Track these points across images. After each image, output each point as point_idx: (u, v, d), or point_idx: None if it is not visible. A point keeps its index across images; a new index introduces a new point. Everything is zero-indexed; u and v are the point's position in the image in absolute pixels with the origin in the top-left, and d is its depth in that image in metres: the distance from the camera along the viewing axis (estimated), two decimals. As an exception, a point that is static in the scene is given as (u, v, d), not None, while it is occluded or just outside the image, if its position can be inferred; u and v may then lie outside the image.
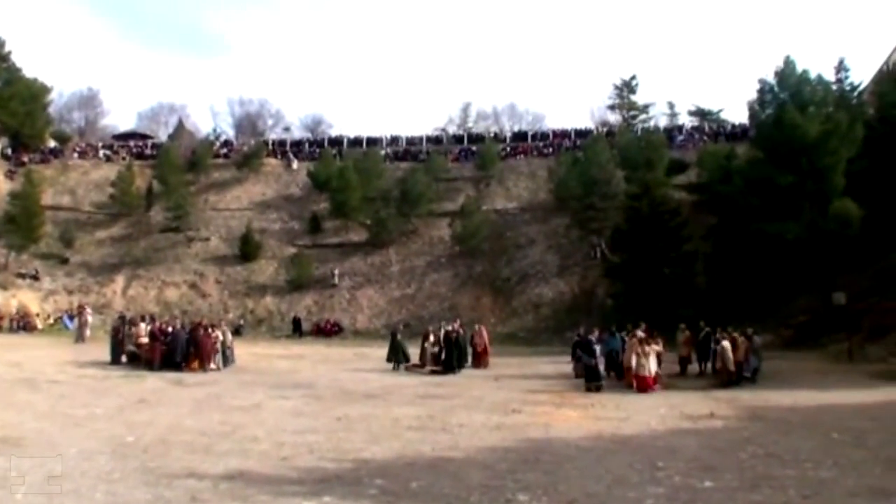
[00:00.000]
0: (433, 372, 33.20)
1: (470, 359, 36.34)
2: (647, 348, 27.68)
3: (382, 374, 32.17)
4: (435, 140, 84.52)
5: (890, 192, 42.08)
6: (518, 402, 23.08)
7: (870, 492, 12.04)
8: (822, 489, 12.30)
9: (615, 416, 20.49)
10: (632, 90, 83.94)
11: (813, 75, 49.36)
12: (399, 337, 36.92)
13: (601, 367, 28.38)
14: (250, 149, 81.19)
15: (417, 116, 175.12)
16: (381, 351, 36.45)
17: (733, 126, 78.04)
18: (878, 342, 37.67)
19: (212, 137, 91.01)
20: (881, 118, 46.67)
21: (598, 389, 26.58)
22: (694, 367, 32.74)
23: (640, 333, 29.43)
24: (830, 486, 12.54)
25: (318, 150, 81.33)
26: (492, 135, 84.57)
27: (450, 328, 35.77)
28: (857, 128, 45.76)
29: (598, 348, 28.57)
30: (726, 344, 28.73)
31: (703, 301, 50.10)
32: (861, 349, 36.66)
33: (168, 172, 73.01)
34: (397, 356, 35.16)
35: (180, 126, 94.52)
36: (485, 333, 37.90)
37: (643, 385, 27.10)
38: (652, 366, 27.57)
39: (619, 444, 16.45)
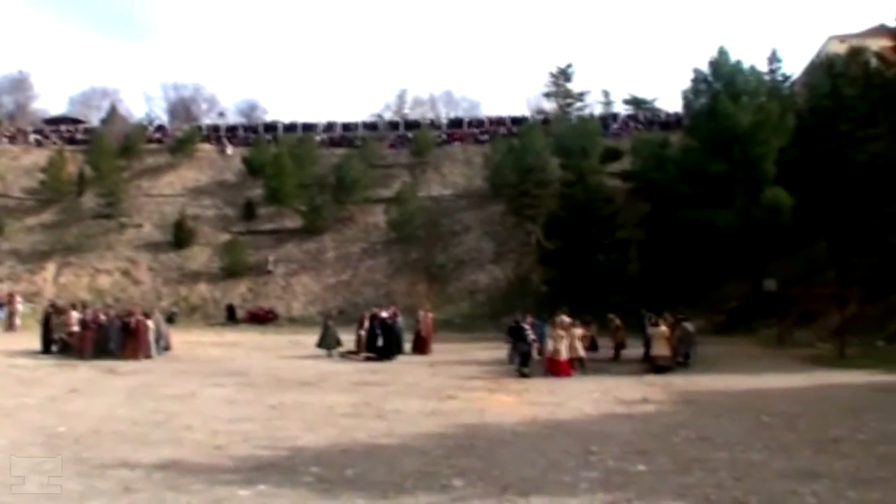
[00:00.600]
0: (368, 359, 33.08)
1: (413, 345, 36.48)
2: (561, 332, 27.93)
3: (317, 362, 31.98)
4: (371, 126, 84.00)
5: (819, 180, 42.72)
6: (453, 388, 23.08)
7: (798, 473, 12.21)
8: (753, 471, 12.45)
9: (549, 402, 20.56)
10: (567, 78, 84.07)
11: (746, 66, 50.02)
12: (331, 323, 36.81)
13: (534, 353, 28.66)
14: (184, 134, 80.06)
15: (353, 102, 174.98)
16: (316, 338, 36.29)
17: (667, 115, 78.59)
18: (807, 327, 38.31)
19: (145, 122, 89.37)
20: (812, 109, 47.40)
21: (525, 375, 26.64)
22: (629, 352, 32.98)
23: (564, 319, 29.58)
24: (760, 468, 12.70)
25: (252, 136, 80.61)
26: (428, 122, 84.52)
27: (385, 314, 35.71)
28: (788, 118, 46.44)
29: (529, 334, 28.84)
30: (662, 329, 29.00)
31: (637, 287, 50.57)
32: (790, 334, 37.24)
33: (100, 158, 71.78)
34: (329, 343, 35.06)
35: (113, 111, 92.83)
36: (429, 320, 38.04)
37: (555, 369, 27.29)
38: (564, 351, 27.73)
39: (554, 429, 16.50)
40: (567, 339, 27.77)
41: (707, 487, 11.46)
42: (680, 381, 24.69)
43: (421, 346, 36.39)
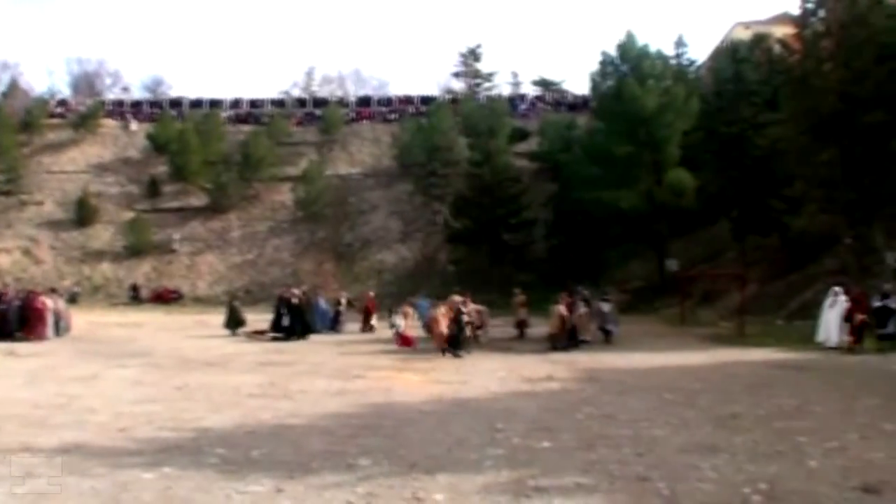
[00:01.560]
0: (275, 339, 32.82)
1: (362, 325, 37.09)
2: (442, 310, 28.55)
3: (223, 342, 31.59)
4: (278, 103, 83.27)
5: (722, 163, 43.43)
6: (360, 368, 22.96)
7: (699, 448, 12.38)
8: (655, 446, 12.58)
9: (456, 380, 20.56)
10: (476, 58, 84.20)
11: (653, 50, 50.55)
12: (237, 304, 36.49)
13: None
14: (87, 109, 78.66)
15: (260, 79, 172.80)
16: (222, 318, 35.92)
17: (575, 97, 79.25)
18: (709, 306, 39.04)
19: (47, 97, 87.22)
20: (716, 93, 48.08)
21: (456, 356, 26.61)
22: (534, 330, 33.15)
23: (455, 298, 29.88)
24: (663, 443, 12.84)
25: (157, 112, 79.31)
26: (336, 99, 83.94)
27: (294, 293, 35.47)
28: (693, 101, 47.03)
29: (465, 316, 28.92)
30: (559, 308, 29.20)
31: (543, 267, 51.04)
32: (692, 313, 37.88)
33: (0, 132, 70.03)
34: (234, 323, 34.76)
35: (13, 84, 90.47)
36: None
37: (403, 343, 29.24)
38: (403, 325, 30.12)
39: (460, 408, 16.50)
40: (444, 318, 28.05)
41: (610, 463, 11.54)
42: (584, 359, 24.90)
43: (366, 324, 37.01)
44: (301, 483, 10.66)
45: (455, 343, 26.91)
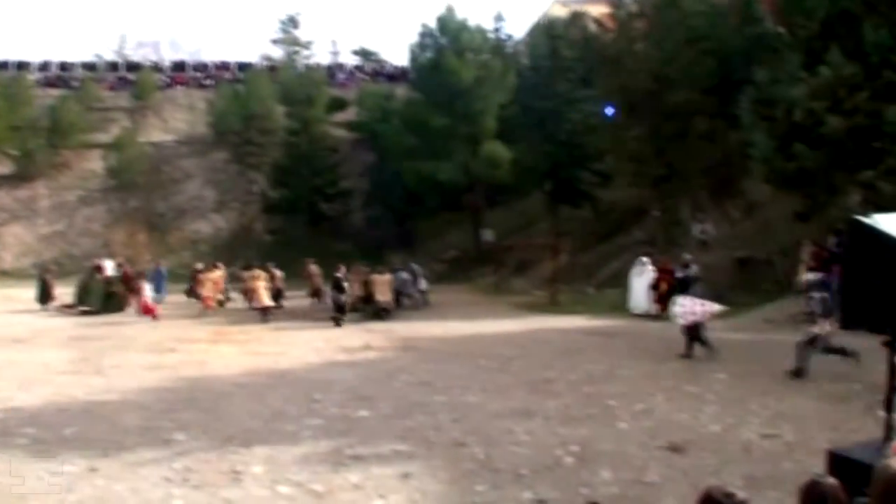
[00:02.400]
0: (85, 312, 31.76)
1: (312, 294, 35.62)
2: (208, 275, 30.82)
3: (32, 317, 30.33)
4: (89, 67, 79.99)
5: (536, 137, 44.25)
6: (174, 341, 22.51)
7: (514, 413, 12.66)
8: (471, 412, 12.80)
9: (272, 352, 20.43)
10: (296, 26, 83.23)
11: (472, 24, 50.93)
12: (48, 277, 35.19)
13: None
14: None
15: (71, 41, 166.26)
16: (31, 292, 34.57)
17: (394, 68, 79.24)
18: (522, 276, 39.85)
19: None
20: (533, 68, 48.81)
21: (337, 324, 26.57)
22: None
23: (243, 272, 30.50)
24: (478, 409, 13.07)
25: (-41, 74, 75.38)
26: (150, 64, 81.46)
27: (108, 265, 34.46)
28: (510, 76, 47.65)
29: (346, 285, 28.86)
30: (386, 277, 29.43)
31: (361, 237, 51.14)
32: (507, 282, 38.61)
33: None
34: (46, 297, 33.57)
35: None
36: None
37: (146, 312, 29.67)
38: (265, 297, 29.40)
39: (277, 379, 16.42)
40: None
41: (427, 430, 11.71)
42: (401, 328, 25.09)
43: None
44: (116, 461, 10.44)
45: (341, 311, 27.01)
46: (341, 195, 55.31)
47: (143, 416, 12.97)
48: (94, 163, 64.16)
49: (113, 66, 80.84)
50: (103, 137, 65.54)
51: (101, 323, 28.15)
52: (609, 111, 36.18)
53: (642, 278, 26.85)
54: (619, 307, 27.84)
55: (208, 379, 16.58)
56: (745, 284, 27.13)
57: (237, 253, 51.11)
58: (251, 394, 14.82)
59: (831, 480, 4.15)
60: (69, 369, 17.84)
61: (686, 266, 23.97)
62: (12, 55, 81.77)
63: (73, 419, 12.77)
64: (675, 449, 10.52)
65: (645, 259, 27.36)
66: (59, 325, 27.86)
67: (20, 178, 63.03)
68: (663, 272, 25.76)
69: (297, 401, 14.04)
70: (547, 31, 49.70)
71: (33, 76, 74.68)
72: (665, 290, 25.22)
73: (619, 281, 30.43)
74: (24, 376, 16.85)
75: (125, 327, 26.58)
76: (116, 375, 17.02)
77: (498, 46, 53.70)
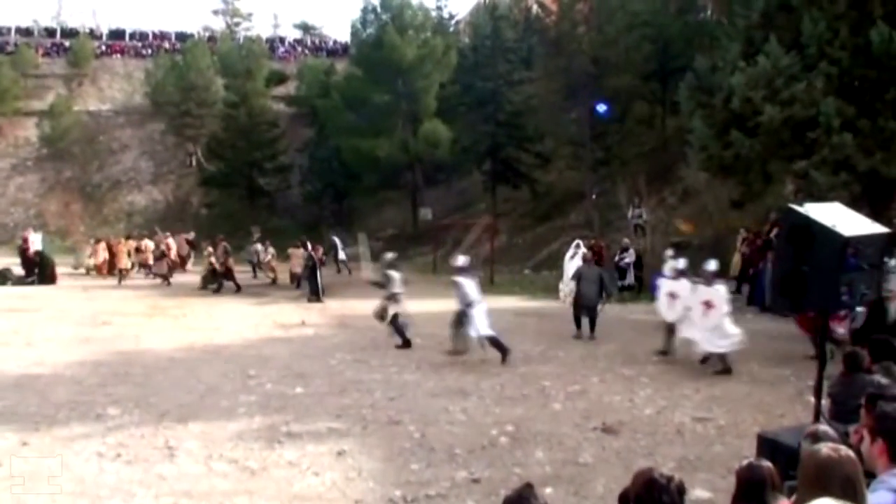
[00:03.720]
0: (21, 282, 31.27)
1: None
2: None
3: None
4: (24, 32, 78.66)
5: (477, 117, 44.33)
6: (108, 314, 22.32)
7: (449, 392, 12.76)
8: (406, 391, 12.89)
9: (208, 326, 20.36)
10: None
11: (414, 1, 50.80)
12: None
13: None
14: None
15: (6, 4, 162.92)
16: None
17: (335, 42, 78.86)
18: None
19: None
20: (474, 48, 48.83)
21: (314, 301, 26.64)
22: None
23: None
24: (413, 387, 13.16)
25: None
26: (87, 31, 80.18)
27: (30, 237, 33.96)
28: (452, 54, 47.62)
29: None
30: (300, 251, 29.84)
31: (298, 212, 50.92)
32: (445, 262, 38.65)
33: None
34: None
35: None
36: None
37: None
38: None
39: (212, 355, 16.39)
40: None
41: (363, 408, 11.78)
42: (336, 306, 25.12)
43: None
44: (47, 435, 10.43)
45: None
46: (279, 170, 54.96)
47: (76, 391, 12.90)
48: (28, 130, 63.09)
49: (49, 33, 79.26)
50: (38, 105, 64.38)
51: (35, 295, 27.76)
52: (602, 108, 36.27)
53: (574, 261, 27.01)
54: (555, 289, 28.01)
55: (142, 353, 16.52)
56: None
57: (173, 226, 50.63)
58: (186, 369, 14.79)
59: (767, 464, 4.26)
60: (0, 341, 17.64)
61: (625, 249, 24.26)
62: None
63: (4, 392, 12.67)
64: (608, 430, 10.68)
65: (579, 241, 27.54)
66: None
67: (-49, 145, 61.91)
68: (596, 255, 25.93)
69: (233, 377, 14.04)
70: (490, 11, 49.70)
71: (-35, 41, 73.20)
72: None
73: (556, 263, 30.58)
74: (-48, 349, 16.66)
75: (60, 300, 26.27)
76: (48, 348, 16.90)
77: (440, 25, 53.75)
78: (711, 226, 29.23)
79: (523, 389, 13.00)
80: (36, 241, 33.57)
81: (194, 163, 59.94)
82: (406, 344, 16.97)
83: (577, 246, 27.08)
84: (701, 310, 14.56)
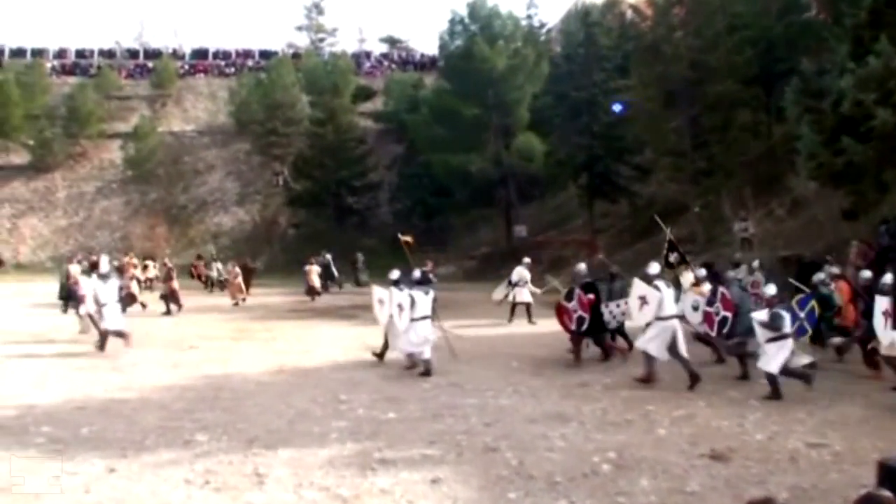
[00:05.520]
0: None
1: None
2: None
3: (48, 312, 30.53)
4: (107, 54, 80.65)
5: (571, 128, 44.15)
6: (195, 338, 22.65)
7: (547, 417, 12.64)
8: (503, 416, 12.80)
9: (297, 350, 20.50)
10: (321, 12, 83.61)
11: (504, 11, 50.90)
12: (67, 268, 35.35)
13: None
14: None
15: (88, 26, 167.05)
16: (47, 287, 34.72)
17: (422, 56, 79.30)
18: (557, 274, 39.72)
19: None
20: (566, 56, 48.66)
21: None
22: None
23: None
24: (510, 412, 13.07)
25: (-27, 61, 75.86)
26: (170, 51, 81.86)
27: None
28: (543, 64, 47.59)
29: None
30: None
31: (388, 231, 51.18)
32: (541, 280, 38.51)
33: None
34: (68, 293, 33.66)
35: None
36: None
37: None
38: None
39: (302, 379, 16.48)
40: None
41: (458, 434, 11.70)
42: (430, 327, 25.12)
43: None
44: (135, 461, 10.52)
45: None
46: (368, 188, 55.40)
47: (163, 416, 13.06)
48: (113, 153, 64.66)
49: (132, 54, 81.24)
50: (122, 127, 66.09)
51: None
52: (617, 108, 35.93)
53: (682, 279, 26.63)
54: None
55: (230, 377, 16.66)
56: (790, 285, 26.97)
57: (260, 247, 51.38)
58: (275, 394, 14.88)
59: (887, 494, 4.17)
60: (86, 366, 17.98)
61: (736, 265, 23.83)
62: (28, 42, 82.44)
63: (91, 418, 12.87)
64: (717, 457, 10.47)
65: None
66: (75, 320, 28.02)
67: (36, 168, 63.61)
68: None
69: (323, 401, 14.09)
70: (582, 18, 49.51)
71: (50, 63, 75.25)
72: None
73: (658, 280, 30.23)
74: (40, 373, 17.03)
75: (145, 324, 26.70)
76: (135, 373, 17.15)
77: (531, 34, 53.71)
78: (822, 238, 28.66)
79: (626, 414, 12.83)
80: (104, 264, 34.09)
81: (281, 182, 60.66)
82: None
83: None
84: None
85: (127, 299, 29.09)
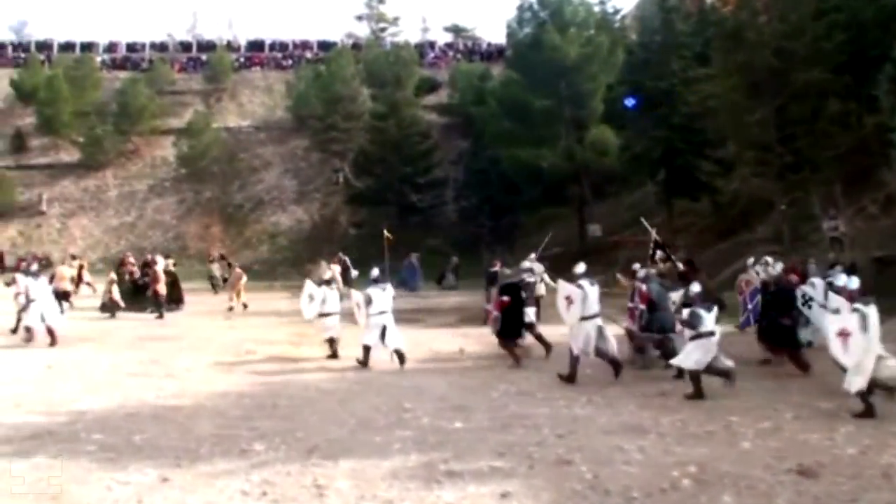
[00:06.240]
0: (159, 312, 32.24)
1: None
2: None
3: (98, 314, 31.14)
4: (159, 47, 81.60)
5: (648, 121, 43.92)
6: (252, 343, 22.86)
7: (623, 428, 12.61)
8: (577, 427, 12.77)
9: (358, 355, 20.65)
10: (381, 0, 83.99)
11: (575, -4, 50.66)
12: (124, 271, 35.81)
13: None
14: (-62, 52, 76.56)
15: (139, 19, 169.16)
16: (99, 287, 35.24)
17: (489, 45, 79.26)
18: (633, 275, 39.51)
19: None
20: (642, 44, 48.30)
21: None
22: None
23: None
24: (585, 423, 13.04)
25: (22, 56, 77.01)
26: (224, 43, 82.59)
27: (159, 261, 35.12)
28: (618, 53, 47.27)
29: None
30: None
31: (454, 230, 51.25)
32: (616, 281, 38.33)
33: None
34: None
35: None
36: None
37: None
38: None
39: (363, 386, 16.57)
40: None
41: (529, 446, 11.72)
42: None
43: None
44: (189, 471, 10.67)
45: None
46: (433, 185, 55.44)
47: (219, 424, 13.23)
48: (166, 150, 65.40)
49: (185, 46, 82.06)
50: (175, 123, 66.88)
51: (174, 322, 28.69)
52: (630, 102, 35.62)
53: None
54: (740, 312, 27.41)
55: (289, 384, 16.83)
56: (884, 288, 26.59)
57: (319, 247, 51.63)
58: (336, 401, 15.00)
59: None
60: (139, 371, 18.30)
61: (832, 266, 23.55)
62: (77, 35, 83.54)
63: (144, 425, 13.09)
64: (805, 473, 10.35)
65: (769, 259, 26.91)
66: (127, 323, 28.45)
67: (87, 166, 64.56)
68: (791, 273, 25.38)
69: (386, 410, 14.17)
70: (659, 3, 49.17)
71: (100, 58, 76.45)
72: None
73: (741, 283, 29.91)
74: (91, 379, 17.34)
75: (200, 328, 27.03)
76: (189, 378, 17.40)
77: (604, 21, 53.42)
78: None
79: (708, 426, 12.76)
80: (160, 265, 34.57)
81: (341, 179, 60.91)
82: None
83: (766, 264, 26.47)
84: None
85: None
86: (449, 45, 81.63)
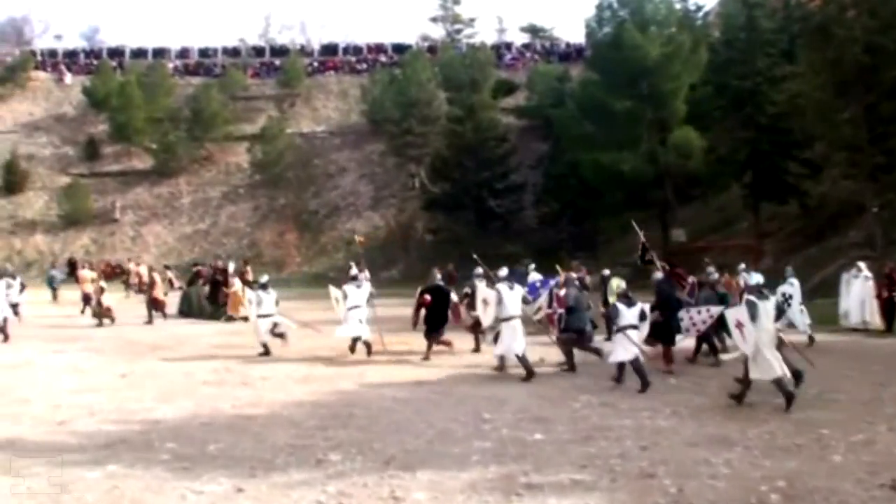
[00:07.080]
0: (230, 318, 32.66)
1: None
2: None
3: (172, 323, 31.56)
4: (232, 52, 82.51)
5: (733, 121, 43.63)
6: (328, 350, 23.00)
7: (710, 441, 12.50)
8: (661, 439, 12.69)
9: (434, 364, 20.67)
10: (457, 1, 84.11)
11: (656, -6, 50.44)
12: (200, 282, 36.26)
13: None
14: (15, 60, 77.83)
15: (212, 24, 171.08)
16: (172, 296, 35.72)
17: (568, 45, 79.08)
18: (718, 281, 39.22)
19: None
20: (726, 42, 48.00)
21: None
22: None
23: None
24: (669, 435, 12.95)
25: (94, 63, 78.27)
26: (297, 47, 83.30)
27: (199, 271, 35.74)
28: (701, 51, 46.95)
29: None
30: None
31: (533, 236, 51.19)
32: (702, 288, 38.01)
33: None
34: (190, 306, 34.62)
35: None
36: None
37: None
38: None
39: (442, 395, 16.56)
40: None
41: (611, 458, 11.64)
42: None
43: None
44: (264, 481, 10.73)
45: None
46: (511, 190, 55.48)
47: (294, 433, 13.30)
48: (239, 156, 66.09)
49: (258, 51, 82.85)
50: (248, 128, 67.53)
51: (247, 330, 28.93)
52: None
53: (858, 286, 26.01)
54: (832, 320, 27.02)
55: (365, 393, 16.86)
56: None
57: (395, 254, 51.89)
58: (413, 411, 15.01)
59: None
60: (213, 380, 18.46)
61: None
62: (150, 42, 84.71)
63: (218, 434, 13.22)
64: (899, 488, 10.27)
65: (862, 264, 26.57)
66: (201, 331, 28.79)
67: (160, 173, 65.46)
68: (890, 279, 25.09)
69: (465, 420, 14.15)
70: (742, -1, 48.88)
71: (172, 64, 77.38)
72: (887, 300, 24.67)
73: (832, 289, 29.52)
74: (165, 387, 17.52)
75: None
76: (265, 387, 17.51)
77: (686, 18, 53.15)
78: None
79: (797, 438, 12.59)
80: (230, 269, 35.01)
81: (417, 185, 61.15)
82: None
83: (859, 269, 26.10)
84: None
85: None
86: (526, 46, 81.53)
